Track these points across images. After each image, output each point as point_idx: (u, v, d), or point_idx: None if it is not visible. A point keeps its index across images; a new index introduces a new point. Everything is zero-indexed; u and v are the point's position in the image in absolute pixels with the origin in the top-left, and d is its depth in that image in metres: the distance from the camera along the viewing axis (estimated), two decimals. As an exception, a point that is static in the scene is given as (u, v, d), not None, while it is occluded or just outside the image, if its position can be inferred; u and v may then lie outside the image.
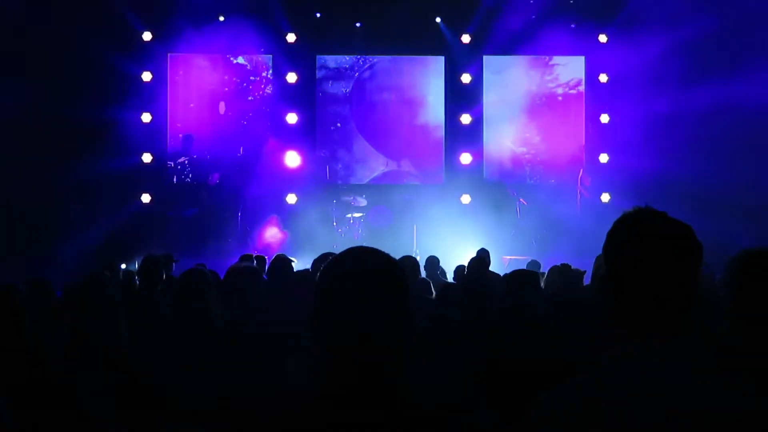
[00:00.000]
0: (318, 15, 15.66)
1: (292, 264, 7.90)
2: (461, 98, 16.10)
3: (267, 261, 9.43)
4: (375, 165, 16.30)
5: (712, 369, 1.87)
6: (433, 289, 7.08)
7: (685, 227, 1.93)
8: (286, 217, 14.97)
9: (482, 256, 8.82)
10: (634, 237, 1.92)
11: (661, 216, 1.93)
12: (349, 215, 15.03)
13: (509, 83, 16.16)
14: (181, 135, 15.73)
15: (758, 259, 2.93)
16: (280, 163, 15.63)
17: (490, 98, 16.24)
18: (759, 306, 2.86)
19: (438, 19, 15.79)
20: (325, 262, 1.93)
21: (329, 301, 1.88)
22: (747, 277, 2.91)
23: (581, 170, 15.55)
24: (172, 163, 15.24)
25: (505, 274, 5.33)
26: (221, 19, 15.13)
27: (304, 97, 15.97)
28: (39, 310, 5.23)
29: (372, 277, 1.88)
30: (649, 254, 1.88)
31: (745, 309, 2.90)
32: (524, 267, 9.26)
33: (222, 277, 6.34)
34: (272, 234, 14.59)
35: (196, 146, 15.71)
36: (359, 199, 15.30)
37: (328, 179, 15.92)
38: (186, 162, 15.14)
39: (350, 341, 1.85)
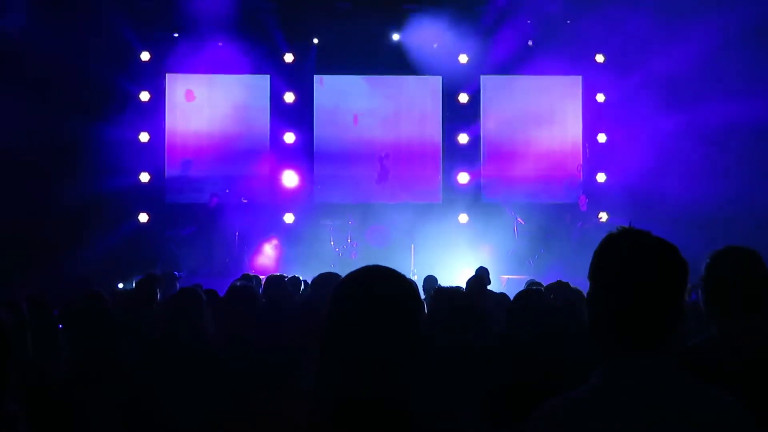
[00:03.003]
0: (315, 41, 15.75)
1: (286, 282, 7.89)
2: (459, 118, 16.15)
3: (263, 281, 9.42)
4: (370, 184, 16.31)
5: (696, 385, 1.92)
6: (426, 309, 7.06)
7: (669, 245, 1.98)
8: (284, 236, 14.97)
9: (481, 275, 8.78)
10: (617, 256, 1.98)
11: (644, 235, 1.99)
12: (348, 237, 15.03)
13: (507, 102, 16.20)
14: (180, 159, 15.78)
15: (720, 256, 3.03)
16: (277, 182, 15.65)
17: (487, 117, 16.29)
18: (727, 301, 2.95)
19: (435, 45, 15.83)
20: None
21: (343, 320, 1.87)
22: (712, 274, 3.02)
23: (581, 195, 15.54)
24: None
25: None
26: (220, 44, 15.16)
27: (301, 116, 15.99)
28: (38, 328, 5.21)
29: (387, 297, 1.88)
30: (631, 273, 1.94)
31: (716, 305, 2.98)
32: (523, 286, 9.25)
33: (221, 297, 6.33)
34: (267, 254, 14.57)
35: (195, 168, 15.74)
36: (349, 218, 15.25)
37: (323, 199, 15.91)
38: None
39: (365, 361, 1.84)
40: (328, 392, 1.85)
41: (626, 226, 2.03)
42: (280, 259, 14.46)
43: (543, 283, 9.53)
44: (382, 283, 1.91)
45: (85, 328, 4.60)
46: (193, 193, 15.64)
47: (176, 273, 10.24)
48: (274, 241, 14.73)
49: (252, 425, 3.54)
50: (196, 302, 4.97)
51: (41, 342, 4.96)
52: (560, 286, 7.40)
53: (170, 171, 15.80)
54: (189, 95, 15.97)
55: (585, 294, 6.31)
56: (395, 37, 15.79)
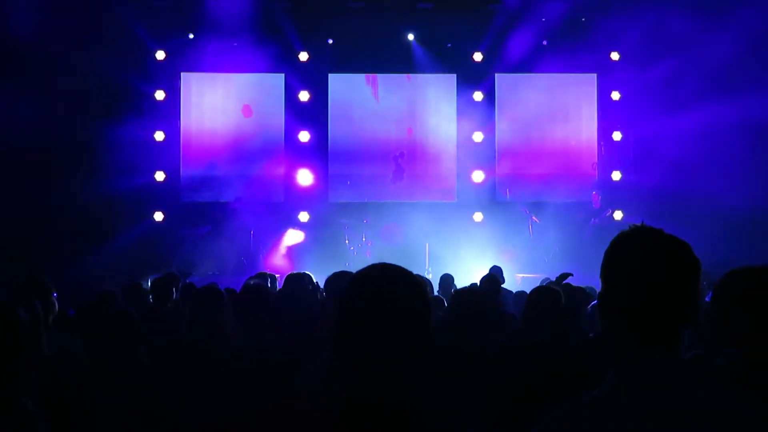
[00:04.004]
0: (330, 41, 15.76)
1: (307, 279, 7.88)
2: (473, 116, 16.09)
3: (279, 279, 9.43)
4: (384, 183, 16.29)
5: (710, 385, 1.90)
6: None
7: (681, 243, 1.96)
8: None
9: (494, 274, 8.73)
10: (628, 254, 1.96)
11: (656, 233, 1.97)
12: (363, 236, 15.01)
13: (522, 101, 16.13)
14: (196, 158, 15.81)
15: (739, 278, 2.86)
16: (292, 181, 15.66)
17: (502, 116, 16.24)
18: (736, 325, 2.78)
19: (449, 44, 15.83)
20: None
21: (349, 319, 1.86)
22: (727, 295, 2.85)
23: (593, 192, 15.43)
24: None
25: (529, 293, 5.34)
26: (234, 44, 15.16)
27: (316, 115, 15.99)
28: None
29: (393, 297, 1.86)
30: (643, 271, 1.92)
31: (725, 328, 2.83)
32: (538, 285, 9.21)
33: (236, 295, 6.33)
34: (284, 250, 14.59)
35: (217, 167, 15.78)
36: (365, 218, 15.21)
37: (339, 197, 15.91)
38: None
39: (371, 360, 1.82)
40: (336, 391, 1.85)
41: (638, 224, 2.02)
42: (296, 257, 14.46)
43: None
44: (388, 283, 1.90)
45: (100, 328, 4.61)
46: (208, 192, 15.66)
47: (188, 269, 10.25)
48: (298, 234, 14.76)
49: (261, 426, 3.53)
50: (217, 300, 4.95)
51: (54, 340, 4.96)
52: (565, 285, 7.39)
53: (185, 170, 15.83)
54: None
55: (586, 292, 6.33)
56: (410, 36, 15.79)
